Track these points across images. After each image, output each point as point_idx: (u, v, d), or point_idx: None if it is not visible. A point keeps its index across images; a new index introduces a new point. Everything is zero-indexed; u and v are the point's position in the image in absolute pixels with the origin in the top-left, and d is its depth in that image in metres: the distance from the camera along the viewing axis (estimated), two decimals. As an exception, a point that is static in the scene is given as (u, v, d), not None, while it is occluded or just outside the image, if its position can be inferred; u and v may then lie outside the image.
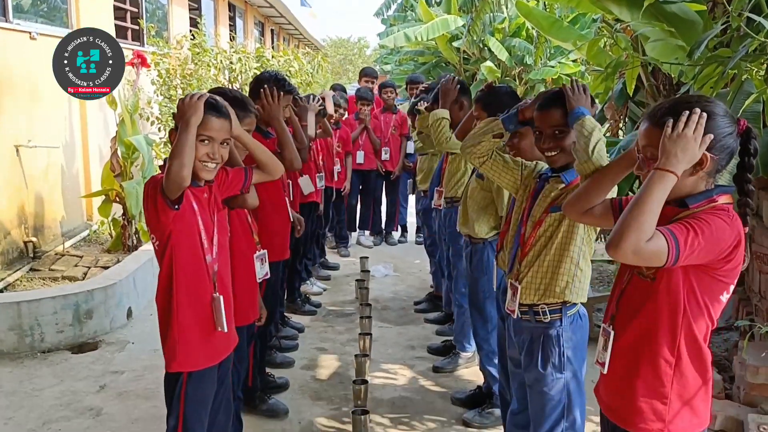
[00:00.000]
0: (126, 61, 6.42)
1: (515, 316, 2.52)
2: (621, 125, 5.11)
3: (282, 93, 3.29)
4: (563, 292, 2.40)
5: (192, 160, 2.15)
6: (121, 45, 7.76)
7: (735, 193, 1.78)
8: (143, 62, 6.51)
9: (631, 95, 4.58)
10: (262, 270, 2.96)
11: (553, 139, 2.39)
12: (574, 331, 2.43)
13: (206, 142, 2.24)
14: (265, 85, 3.25)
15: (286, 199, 3.58)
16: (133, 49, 7.50)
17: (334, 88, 7.03)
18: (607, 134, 5.22)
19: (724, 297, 1.74)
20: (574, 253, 2.40)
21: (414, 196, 6.56)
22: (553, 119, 2.38)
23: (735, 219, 1.69)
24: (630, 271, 1.84)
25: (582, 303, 2.49)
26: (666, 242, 1.59)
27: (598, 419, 1.98)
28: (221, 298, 2.29)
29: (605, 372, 1.88)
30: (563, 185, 2.41)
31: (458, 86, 3.93)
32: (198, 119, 2.17)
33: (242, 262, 2.81)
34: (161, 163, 2.33)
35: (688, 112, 1.64)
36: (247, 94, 3.18)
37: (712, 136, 1.65)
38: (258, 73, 8.51)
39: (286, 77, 3.49)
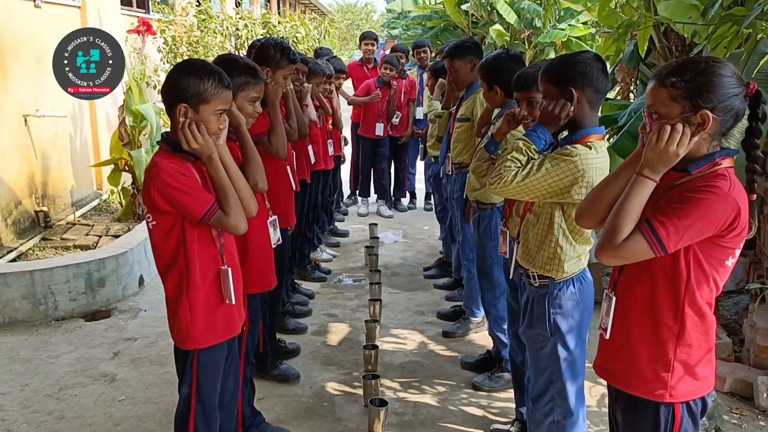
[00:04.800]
0: (131, 28, 6.42)
1: (514, 277, 2.60)
2: (632, 88, 5.04)
3: (279, 71, 3.23)
4: (543, 267, 2.42)
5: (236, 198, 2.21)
6: (127, 12, 7.77)
7: (745, 159, 1.75)
8: (149, 30, 6.45)
9: (642, 57, 4.51)
10: (274, 236, 2.96)
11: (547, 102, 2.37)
12: (569, 296, 2.42)
13: (222, 114, 2.22)
14: (267, 68, 3.16)
15: (287, 166, 3.55)
16: (138, 17, 7.43)
17: (318, 52, 6.89)
18: (618, 97, 5.16)
19: (730, 262, 1.73)
20: (555, 231, 2.39)
21: (423, 162, 6.53)
22: (543, 88, 2.36)
23: (733, 187, 1.66)
24: None
25: (587, 267, 2.49)
26: (645, 239, 1.65)
27: (605, 381, 1.99)
28: (229, 270, 2.28)
29: (607, 337, 1.89)
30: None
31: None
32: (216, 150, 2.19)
33: (257, 229, 2.79)
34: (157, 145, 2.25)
35: (669, 128, 1.65)
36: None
37: (696, 139, 1.66)
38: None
39: (291, 45, 3.42)
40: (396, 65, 6.80)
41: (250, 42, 8.44)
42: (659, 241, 1.64)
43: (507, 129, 2.86)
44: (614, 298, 1.86)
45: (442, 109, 4.76)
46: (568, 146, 2.30)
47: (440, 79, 5.16)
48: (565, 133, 2.41)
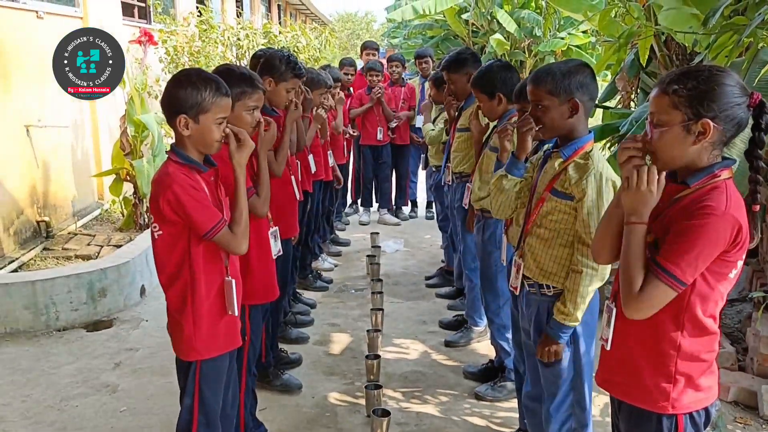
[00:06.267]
0: (133, 38, 6.44)
1: (518, 293, 2.55)
2: (633, 96, 5.04)
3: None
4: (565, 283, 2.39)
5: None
6: (128, 23, 7.80)
7: (748, 169, 1.74)
8: (150, 40, 6.47)
9: (643, 66, 4.52)
10: (275, 247, 2.96)
11: (535, 112, 2.37)
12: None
13: (223, 122, 2.23)
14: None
15: (292, 176, 3.56)
16: (139, 27, 7.46)
17: (342, 63, 6.96)
18: (619, 106, 5.16)
19: (732, 274, 1.72)
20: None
21: (425, 171, 6.53)
22: (532, 95, 2.36)
23: (730, 203, 1.64)
24: None
25: None
26: (663, 283, 1.65)
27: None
28: (233, 281, 2.28)
29: (608, 348, 1.88)
30: (561, 160, 2.38)
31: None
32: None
33: (258, 241, 2.78)
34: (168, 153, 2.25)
35: (637, 173, 1.68)
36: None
37: (696, 147, 1.66)
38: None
39: (297, 59, 3.40)
40: (380, 69, 6.85)
41: (251, 52, 8.50)
42: (677, 279, 1.64)
43: (528, 142, 2.65)
44: (615, 310, 1.85)
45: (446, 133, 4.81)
46: (582, 162, 2.32)
47: (425, 102, 5.30)
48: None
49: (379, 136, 6.98)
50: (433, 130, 5.08)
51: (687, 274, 1.64)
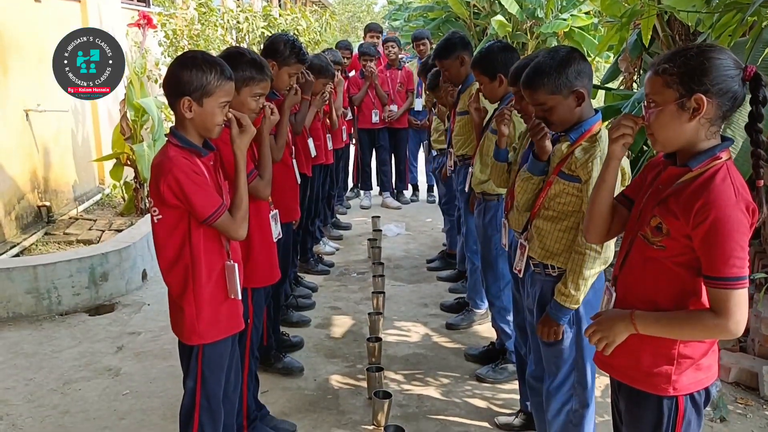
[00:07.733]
0: (132, 22, 6.40)
1: (521, 275, 2.55)
2: (635, 77, 5.01)
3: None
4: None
5: None
6: (127, 6, 7.75)
7: (750, 143, 1.72)
8: (149, 23, 6.43)
9: (646, 46, 4.48)
10: (275, 230, 2.95)
11: (541, 114, 2.33)
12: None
13: (225, 106, 2.21)
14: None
15: (293, 160, 3.55)
16: (138, 10, 7.41)
17: (338, 46, 6.92)
18: (621, 87, 5.13)
19: None
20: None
21: (426, 154, 6.51)
22: (533, 99, 2.32)
23: (737, 185, 1.62)
24: (633, 234, 1.82)
25: None
26: (737, 290, 1.60)
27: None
28: (235, 265, 2.28)
29: None
30: (568, 143, 2.36)
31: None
32: None
33: (258, 224, 2.78)
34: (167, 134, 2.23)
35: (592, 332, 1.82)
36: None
37: (693, 124, 1.64)
38: (264, 32, 8.44)
39: (301, 44, 3.37)
40: (374, 54, 6.80)
41: (251, 35, 8.45)
42: (742, 278, 1.60)
43: (546, 144, 2.52)
44: (614, 294, 1.85)
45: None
46: (586, 146, 2.29)
47: (425, 98, 5.32)
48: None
49: (374, 119, 6.97)
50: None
51: (744, 267, 1.60)
